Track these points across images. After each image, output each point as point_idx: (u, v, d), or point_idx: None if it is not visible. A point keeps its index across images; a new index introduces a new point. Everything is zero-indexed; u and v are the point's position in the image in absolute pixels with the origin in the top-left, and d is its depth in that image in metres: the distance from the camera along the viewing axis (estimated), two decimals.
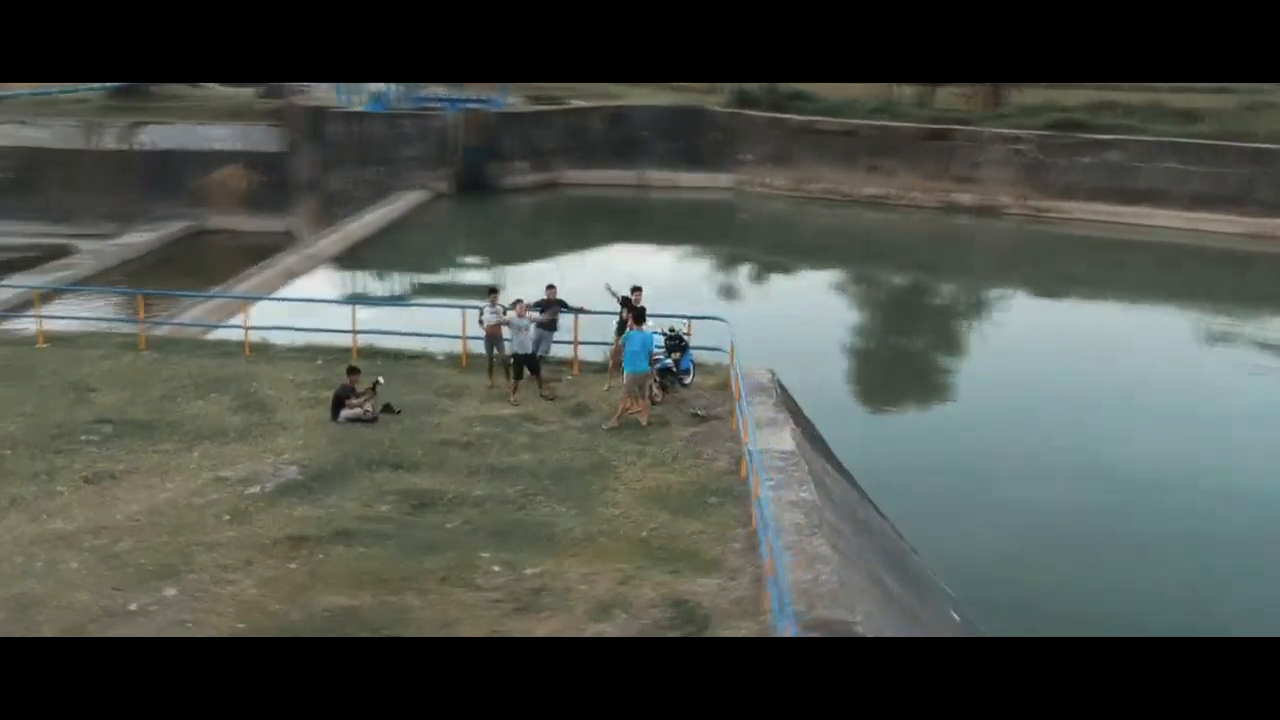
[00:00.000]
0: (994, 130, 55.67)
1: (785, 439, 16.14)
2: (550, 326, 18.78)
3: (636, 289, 18.26)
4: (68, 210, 57.03)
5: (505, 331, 17.91)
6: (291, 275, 42.54)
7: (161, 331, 21.73)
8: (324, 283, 43.12)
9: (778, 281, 49.98)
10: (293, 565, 12.42)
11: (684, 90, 64.22)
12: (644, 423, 16.66)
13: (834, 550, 13.02)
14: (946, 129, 56.24)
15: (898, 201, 56.72)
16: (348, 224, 50.53)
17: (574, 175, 59.50)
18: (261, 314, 22.36)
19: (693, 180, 60.15)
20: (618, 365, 17.86)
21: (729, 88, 62.34)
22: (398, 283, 46.09)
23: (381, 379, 17.03)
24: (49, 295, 33.88)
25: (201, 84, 64.06)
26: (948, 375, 33.85)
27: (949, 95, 62.60)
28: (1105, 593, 18.15)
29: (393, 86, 57.85)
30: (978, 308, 45.71)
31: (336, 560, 12.53)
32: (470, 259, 52.86)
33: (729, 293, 46.09)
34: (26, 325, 23.08)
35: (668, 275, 47.19)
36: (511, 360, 17.79)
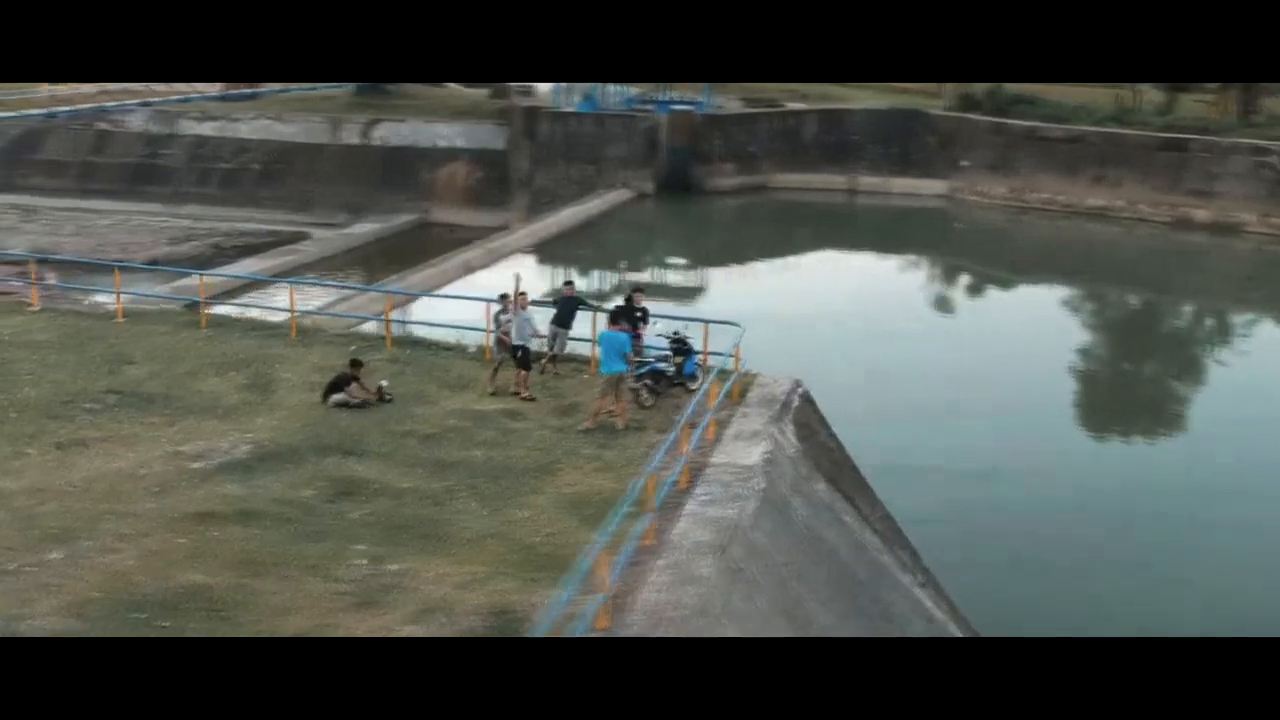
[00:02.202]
0: (1237, 141, 50.96)
1: (754, 454, 15.27)
2: (565, 324, 18.52)
3: (638, 289, 17.78)
4: (308, 200, 60.96)
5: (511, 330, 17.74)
6: (470, 269, 43.99)
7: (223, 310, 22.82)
8: (499, 276, 44.36)
9: (992, 295, 47.76)
10: (182, 540, 12.73)
11: (902, 92, 62.10)
12: (619, 425, 16.18)
13: (721, 573, 12.21)
14: (1182, 138, 51.99)
15: (1123, 214, 52.94)
16: (542, 220, 51.81)
17: (782, 178, 58.69)
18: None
19: (905, 186, 58.19)
20: None
21: (952, 90, 59.83)
22: (580, 280, 46.84)
23: (385, 383, 17.25)
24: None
25: (440, 84, 67.22)
26: (1176, 408, 31.59)
27: (1191, 101, 57.79)
28: None
29: (605, 87, 58.82)
30: (1214, 336, 42.22)
31: (225, 540, 12.76)
32: (672, 259, 53.13)
33: (942, 304, 44.44)
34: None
35: (876, 284, 45.91)
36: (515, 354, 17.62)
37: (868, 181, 58.30)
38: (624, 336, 16.13)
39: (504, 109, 61.94)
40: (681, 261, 53.74)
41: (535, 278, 43.80)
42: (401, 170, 61.11)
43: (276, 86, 67.18)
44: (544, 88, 62.18)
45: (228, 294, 33.98)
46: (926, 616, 15.92)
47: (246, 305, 25.14)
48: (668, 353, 17.72)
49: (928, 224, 57.03)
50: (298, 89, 65.41)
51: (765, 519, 13.97)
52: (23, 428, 15.78)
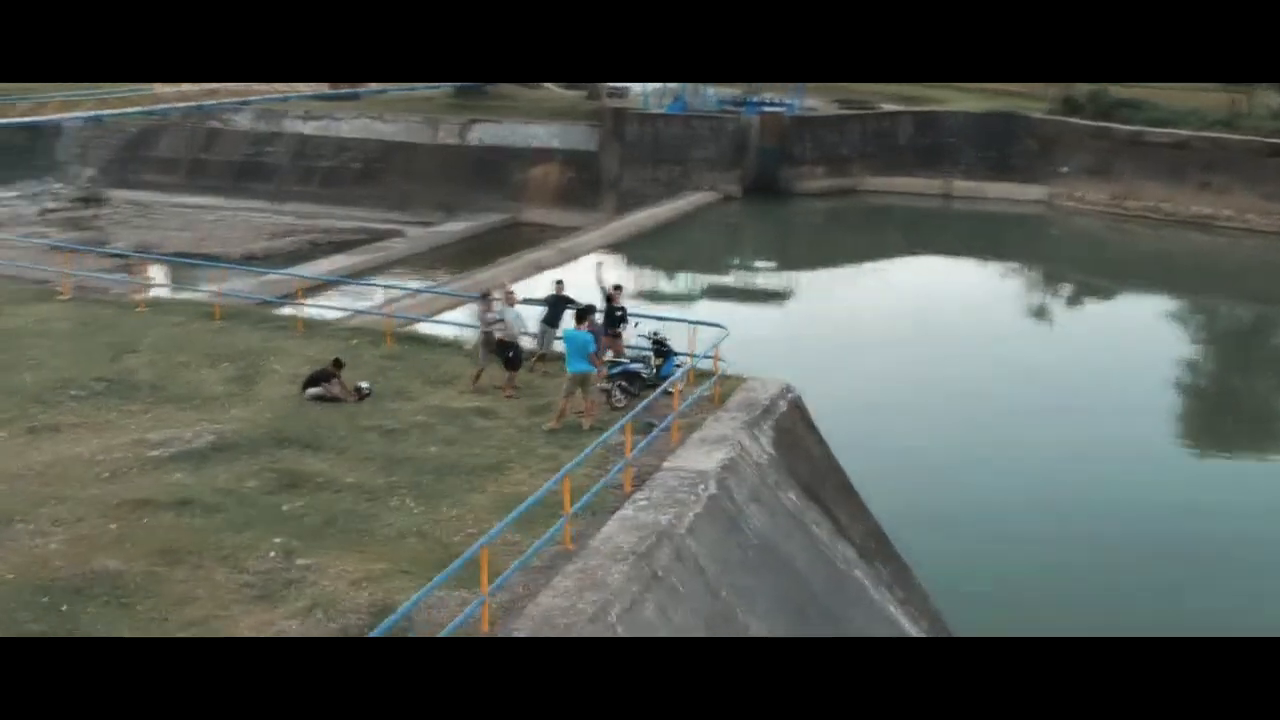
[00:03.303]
0: None
1: (712, 459, 14.82)
2: (554, 323, 18.31)
3: (617, 287, 17.47)
4: (404, 199, 62.03)
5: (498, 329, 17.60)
6: (539, 268, 44.12)
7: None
8: (566, 275, 44.36)
9: (1090, 307, 46.14)
10: (113, 526, 12.87)
11: (1000, 94, 60.34)
12: (585, 426, 15.89)
13: (632, 580, 11.84)
14: None
15: (1229, 224, 50.61)
16: (619, 221, 51.77)
17: (873, 181, 57.63)
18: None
19: (1001, 191, 56.58)
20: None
21: (1053, 93, 57.89)
22: (651, 279, 46.66)
23: (365, 384, 17.27)
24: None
25: (537, 85, 67.76)
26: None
27: None
28: None
29: (696, 88, 58.51)
30: None
31: (153, 527, 12.85)
32: (758, 262, 52.65)
33: (1039, 313, 43.15)
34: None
35: (968, 292, 44.74)
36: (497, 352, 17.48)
37: (962, 186, 56.84)
38: (588, 336, 15.84)
39: (597, 110, 62.13)
40: (768, 264, 53.23)
41: (590, 279, 43.79)
42: (495, 170, 61.74)
43: (377, 86, 68.41)
44: (635, 89, 62.15)
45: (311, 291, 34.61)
46: (892, 633, 15.25)
47: (248, 298, 25.47)
48: (647, 354, 17.37)
49: (1022, 230, 55.38)
50: (396, 89, 66.52)
51: (706, 526, 13.54)
52: (5, 412, 16.22)
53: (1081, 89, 55.68)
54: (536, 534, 12.31)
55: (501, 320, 17.49)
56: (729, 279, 49.16)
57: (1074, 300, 46.63)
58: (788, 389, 17.76)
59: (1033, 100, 59.71)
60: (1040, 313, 43.30)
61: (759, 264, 52.85)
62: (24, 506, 13.24)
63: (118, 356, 18.73)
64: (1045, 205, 55.56)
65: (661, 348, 17.27)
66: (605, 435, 14.08)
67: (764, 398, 17.22)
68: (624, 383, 16.67)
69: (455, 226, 58.26)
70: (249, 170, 64.41)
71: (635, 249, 48.46)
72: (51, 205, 61.87)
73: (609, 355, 17.22)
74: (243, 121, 65.77)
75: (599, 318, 16.99)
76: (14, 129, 62.37)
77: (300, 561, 12.17)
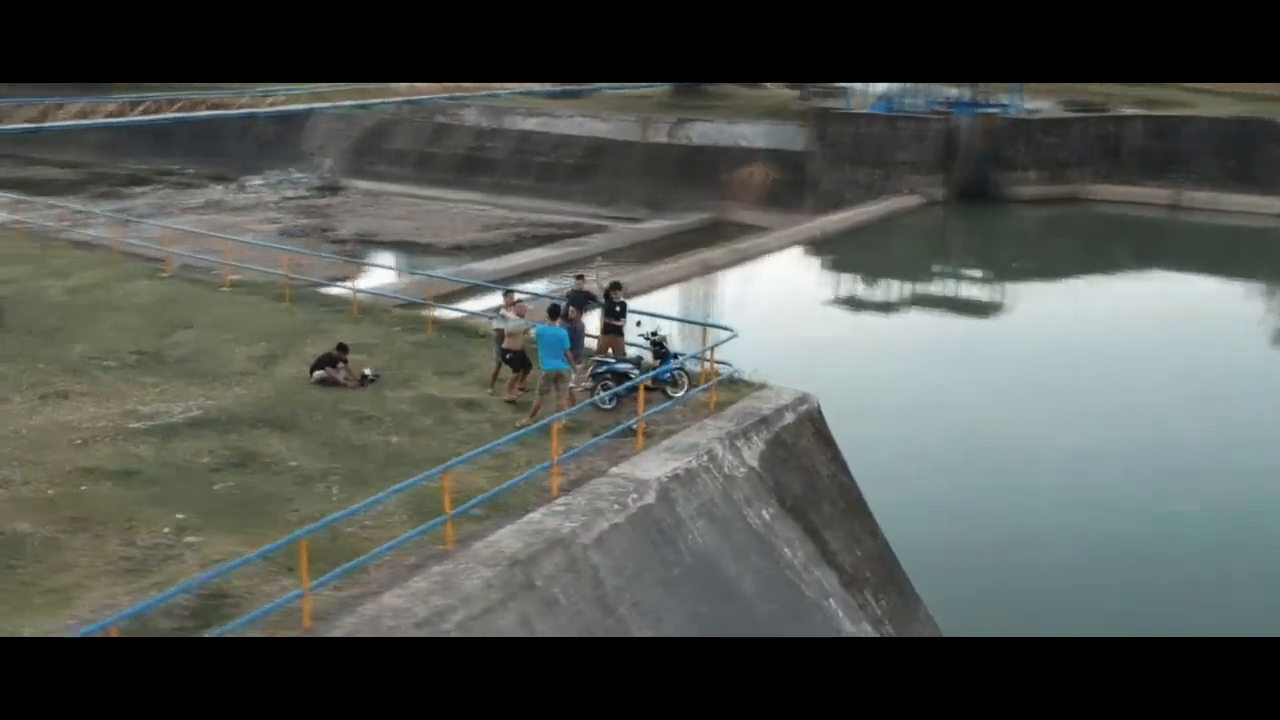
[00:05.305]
0: None
1: (664, 468, 13.97)
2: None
3: (615, 285, 16.75)
4: (613, 195, 62.76)
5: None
6: (709, 268, 43.52)
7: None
8: (736, 276, 43.51)
9: None
10: (51, 492, 13.34)
11: (1249, 98, 55.03)
12: (523, 424, 15.30)
13: (495, 587, 11.28)
14: None
15: None
16: (810, 223, 50.41)
17: (1094, 189, 53.83)
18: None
19: (1243, 204, 51.66)
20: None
21: None
22: (841, 285, 45.15)
23: (369, 371, 17.32)
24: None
25: (755, 84, 66.98)
26: None
27: None
28: None
29: (910, 87, 56.28)
30: None
31: (85, 495, 13.22)
32: (966, 271, 49.98)
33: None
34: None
35: (1200, 314, 41.14)
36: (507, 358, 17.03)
37: (1196, 197, 52.20)
38: (562, 332, 15.25)
39: (808, 110, 60.83)
40: (975, 274, 50.50)
41: (760, 281, 42.83)
42: (702, 169, 61.50)
43: (597, 86, 69.42)
44: (857, 88, 60.32)
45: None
46: None
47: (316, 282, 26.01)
48: (639, 355, 16.60)
49: (1269, 248, 50.29)
50: (611, 87, 67.28)
51: (622, 538, 12.77)
52: (35, 377, 17.17)
53: None
54: (439, 530, 11.98)
55: (502, 331, 17.04)
56: (924, 288, 46.86)
57: None
58: (802, 400, 16.58)
59: None
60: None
61: (962, 273, 50.08)
62: None
63: (169, 332, 19.55)
64: None
65: (660, 348, 16.45)
66: (600, 438, 13.45)
67: (768, 408, 16.14)
68: (609, 381, 15.95)
69: (657, 224, 58.31)
70: (472, 163, 66.60)
71: (824, 251, 47.12)
72: (291, 193, 66.10)
73: (609, 353, 16.59)
74: (468, 117, 68.10)
75: (597, 314, 16.36)
76: (269, 121, 67.53)
77: (189, 539, 12.24)
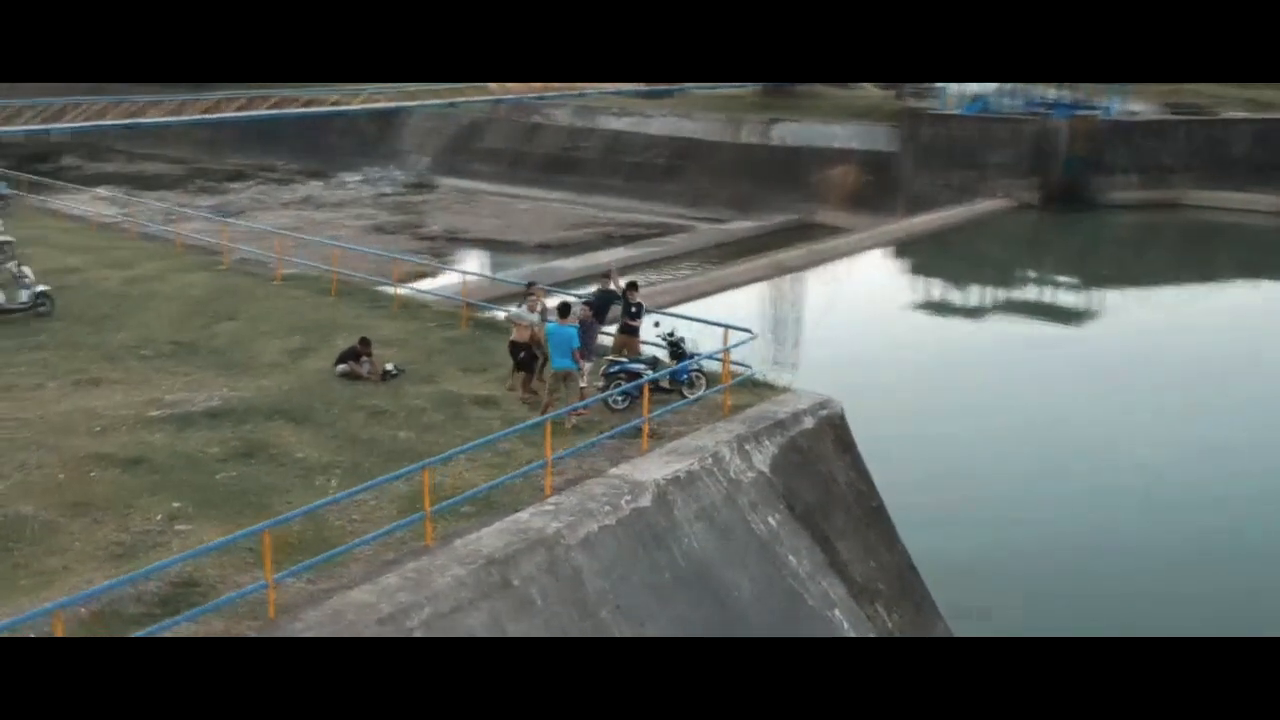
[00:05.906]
0: None
1: (664, 471, 13.75)
2: (599, 318, 17.56)
3: (632, 285, 16.58)
4: (701, 195, 62.54)
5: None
6: (783, 270, 43.05)
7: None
8: (812, 278, 42.95)
9: None
10: (61, 476, 13.66)
11: None
12: (568, 425, 15.20)
13: (468, 586, 11.22)
14: None
15: None
16: (895, 225, 49.55)
17: (1198, 195, 51.84)
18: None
19: None
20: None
21: None
22: (918, 288, 44.29)
23: (391, 366, 17.41)
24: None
25: (849, 85, 66.11)
26: None
27: None
28: None
29: (1009, 88, 54.92)
30: None
31: (93, 480, 13.51)
32: (1053, 277, 48.55)
33: None
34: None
35: None
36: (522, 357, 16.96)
37: None
38: (571, 331, 15.11)
39: (899, 111, 59.84)
40: (1063, 279, 49.05)
41: (835, 284, 42.17)
42: (792, 170, 60.92)
43: (689, 86, 69.16)
44: (952, 89, 59.08)
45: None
46: None
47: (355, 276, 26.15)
48: (654, 355, 16.39)
49: None
50: (699, 88, 66.97)
51: (610, 540, 12.60)
52: (74, 365, 17.64)
53: None
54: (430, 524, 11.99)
55: (517, 321, 16.98)
56: (1006, 293, 45.69)
57: None
58: (823, 405, 16.21)
59: None
60: None
61: (1055, 280, 48.61)
62: (9, 450, 14.30)
63: (211, 323, 19.93)
64: None
65: (677, 349, 16.23)
66: (601, 438, 13.35)
67: (784, 412, 15.80)
68: (622, 381, 15.77)
69: (743, 224, 57.91)
70: (563, 163, 66.94)
71: (906, 254, 46.25)
72: (387, 190, 67.22)
73: (624, 353, 16.43)
74: (561, 117, 68.47)
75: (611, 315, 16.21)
76: (366, 119, 68.80)
77: (179, 527, 12.40)
